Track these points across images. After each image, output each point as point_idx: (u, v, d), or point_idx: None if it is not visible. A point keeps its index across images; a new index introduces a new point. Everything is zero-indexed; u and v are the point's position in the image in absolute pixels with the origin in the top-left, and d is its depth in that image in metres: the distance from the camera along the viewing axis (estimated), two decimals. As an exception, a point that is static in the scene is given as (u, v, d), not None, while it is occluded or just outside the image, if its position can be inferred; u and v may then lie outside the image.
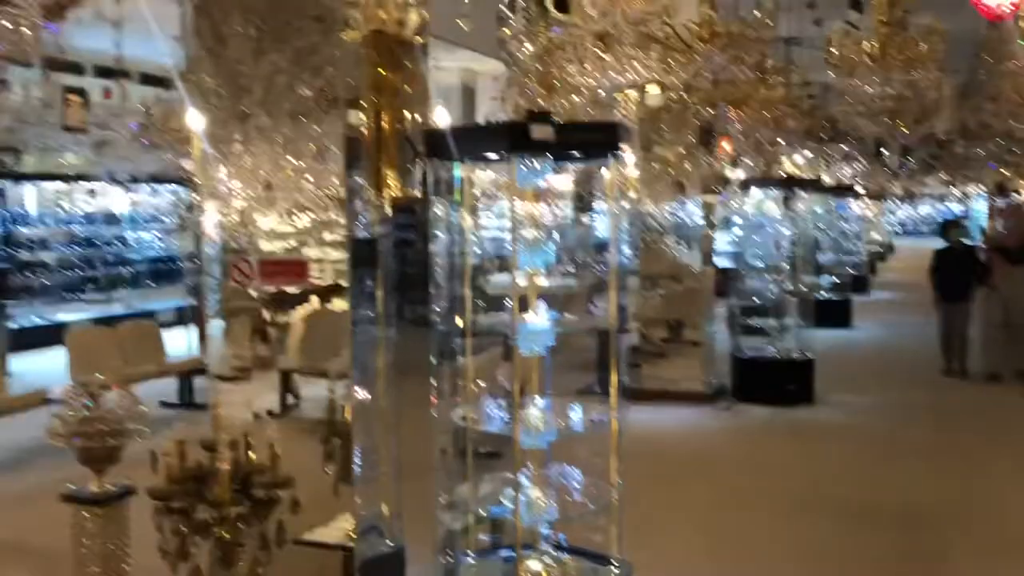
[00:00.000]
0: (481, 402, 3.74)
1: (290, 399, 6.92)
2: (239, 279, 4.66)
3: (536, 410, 3.49)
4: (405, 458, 4.26)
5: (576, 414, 3.55)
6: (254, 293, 5.06)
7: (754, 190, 10.31)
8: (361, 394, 3.90)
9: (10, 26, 4.39)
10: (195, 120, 4.48)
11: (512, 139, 3.21)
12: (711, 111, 7.77)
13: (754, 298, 9.97)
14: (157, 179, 13.82)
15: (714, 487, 6.57)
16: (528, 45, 5.79)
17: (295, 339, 6.80)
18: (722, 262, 11.19)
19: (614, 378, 3.64)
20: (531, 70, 6.97)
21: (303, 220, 5.71)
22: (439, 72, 12.51)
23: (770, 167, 11.26)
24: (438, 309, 3.75)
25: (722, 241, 11.50)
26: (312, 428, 4.55)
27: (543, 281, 3.61)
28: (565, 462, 3.68)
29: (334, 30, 4.77)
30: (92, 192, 14.30)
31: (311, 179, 5.52)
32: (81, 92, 9.69)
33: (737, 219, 10.56)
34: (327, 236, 7.42)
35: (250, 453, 3.41)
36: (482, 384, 3.85)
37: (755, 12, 6.72)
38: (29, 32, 4.41)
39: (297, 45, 5.09)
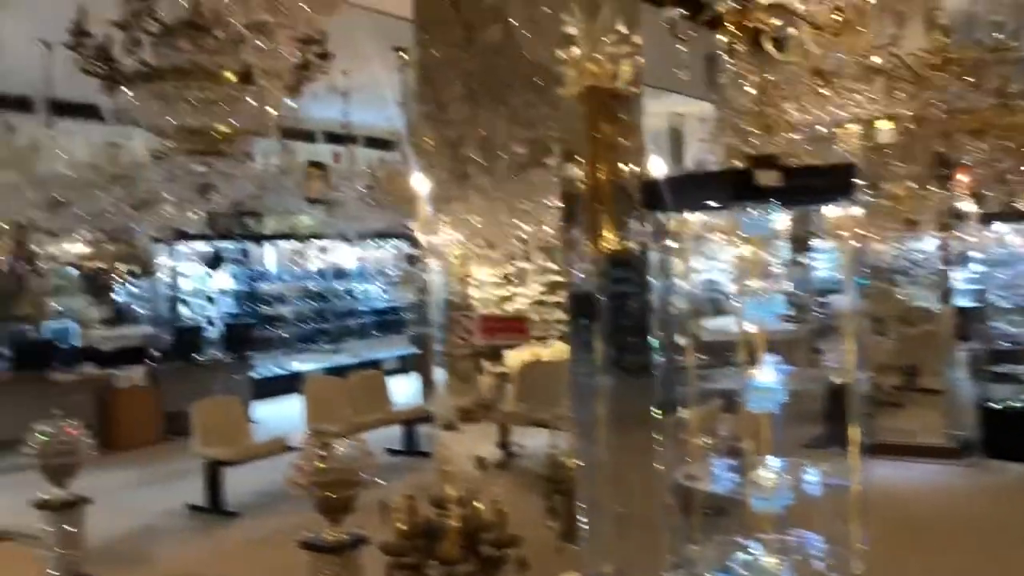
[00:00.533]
0: (705, 459, 3.59)
1: (508, 449, 7.00)
2: (463, 336, 4.76)
3: (767, 471, 3.29)
4: (629, 514, 4.15)
5: (812, 475, 3.31)
6: (474, 342, 5.17)
7: (996, 224, 9.46)
8: (583, 447, 3.85)
9: (256, 104, 4.79)
10: (418, 181, 4.67)
11: (736, 187, 3.08)
12: (946, 142, 7.19)
13: (1001, 341, 9.08)
14: (381, 235, 14.62)
15: (968, 556, 5.94)
16: (743, 85, 5.61)
17: (512, 388, 6.89)
18: (962, 302, 10.31)
19: (854, 434, 3.38)
20: (744, 110, 6.74)
21: (520, 273, 5.81)
22: (646, 117, 12.46)
23: (1014, 198, 10.30)
24: (657, 359, 3.66)
25: (960, 279, 10.62)
26: (531, 480, 4.55)
27: (766, 328, 3.43)
28: (798, 525, 3.45)
29: (547, 87, 4.83)
30: (323, 249, 15.37)
31: (527, 233, 5.60)
32: (321, 165, 10.44)
33: (977, 255, 9.70)
34: (542, 287, 7.51)
35: (477, 504, 3.43)
36: (706, 440, 3.70)
37: (995, 34, 6.17)
38: (272, 110, 4.80)
39: (512, 104, 5.21)
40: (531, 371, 6.78)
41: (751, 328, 3.36)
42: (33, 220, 9.61)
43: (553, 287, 7.86)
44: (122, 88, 5.20)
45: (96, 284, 12.69)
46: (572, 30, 3.97)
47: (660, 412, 3.63)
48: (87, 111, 8.71)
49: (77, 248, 11.77)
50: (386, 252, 16.27)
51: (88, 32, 5.19)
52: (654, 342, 3.88)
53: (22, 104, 8.77)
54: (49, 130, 8.79)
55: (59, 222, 9.78)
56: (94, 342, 11.59)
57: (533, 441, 5.63)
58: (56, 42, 6.01)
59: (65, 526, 5.49)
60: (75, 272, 12.26)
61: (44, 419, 5.87)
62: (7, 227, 9.44)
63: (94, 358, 10.90)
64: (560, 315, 7.48)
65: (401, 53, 8.68)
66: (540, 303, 7.52)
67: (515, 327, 4.74)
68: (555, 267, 7.78)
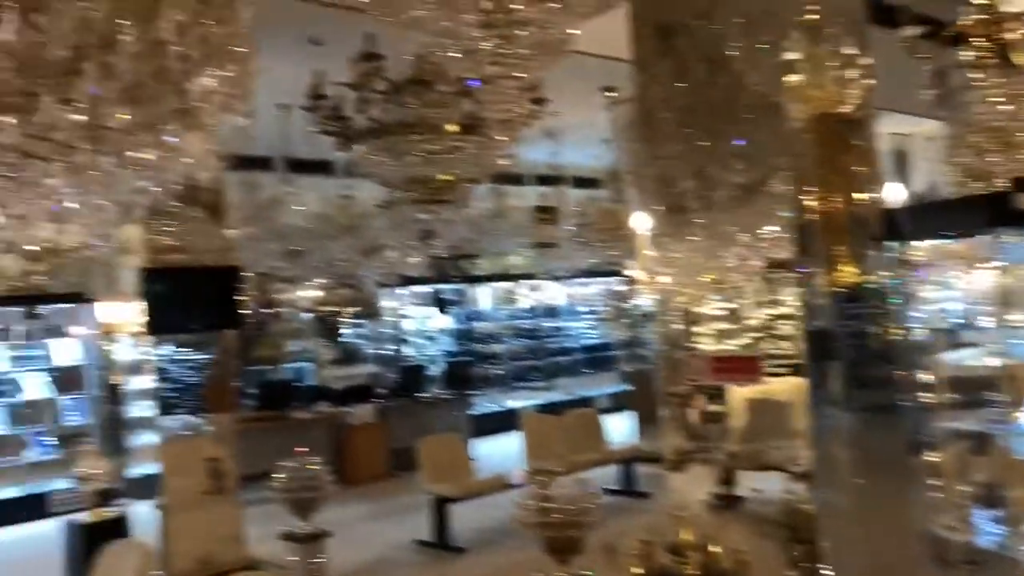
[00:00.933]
0: (962, 507, 3.29)
1: (733, 493, 6.75)
2: (691, 376, 4.66)
3: (1042, 524, 2.97)
4: (879, 565, 3.87)
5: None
6: (702, 382, 5.04)
7: None
8: (824, 493, 3.64)
9: (477, 152, 4.98)
10: (635, 217, 4.65)
11: (993, 212, 2.84)
12: None
13: None
14: (590, 272, 14.72)
15: None
16: (982, 101, 5.19)
17: (735, 427, 6.66)
18: None
19: None
20: (983, 127, 6.24)
21: (742, 307, 5.64)
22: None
23: None
24: (903, 398, 3.42)
25: None
26: (762, 526, 4.34)
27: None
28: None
29: (767, 117, 4.68)
30: (534, 288, 15.67)
31: (748, 266, 5.42)
32: (549, 210, 10.62)
33: None
34: (765, 320, 7.24)
35: (715, 549, 3.31)
36: (961, 487, 3.41)
37: None
38: (493, 158, 4.96)
39: (729, 136, 5.09)
40: (756, 409, 6.53)
41: (999, 362, 3.08)
42: (273, 269, 10.47)
43: (776, 320, 7.58)
44: (353, 144, 5.58)
45: (327, 326, 13.61)
46: (794, 56, 3.83)
47: (909, 454, 3.38)
48: (320, 167, 9.44)
49: (311, 294, 12.69)
50: (595, 289, 16.35)
51: (324, 94, 5.62)
52: (897, 379, 3.63)
53: (263, 164, 9.59)
54: (286, 186, 9.54)
55: (296, 270, 10.59)
56: (327, 381, 12.38)
57: (760, 483, 5.40)
58: (293, 105, 6.52)
59: (310, 557, 5.83)
60: (309, 316, 13.20)
61: (286, 455, 6.30)
62: (252, 276, 10.31)
63: (327, 396, 11.62)
64: (785, 349, 7.19)
65: (609, 92, 8.75)
66: (763, 338, 7.26)
67: (747, 367, 4.57)
68: (778, 299, 7.50)
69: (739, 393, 6.75)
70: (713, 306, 5.68)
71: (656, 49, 5.04)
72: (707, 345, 5.48)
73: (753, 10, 4.17)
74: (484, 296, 15.49)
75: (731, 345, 5.89)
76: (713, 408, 6.26)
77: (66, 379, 10.11)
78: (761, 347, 6.51)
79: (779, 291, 7.02)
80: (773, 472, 5.63)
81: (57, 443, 9.93)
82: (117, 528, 6.83)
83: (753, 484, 5.45)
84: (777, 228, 4.97)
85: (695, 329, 5.66)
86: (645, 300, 11.34)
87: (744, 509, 5.44)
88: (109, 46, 2.17)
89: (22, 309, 9.95)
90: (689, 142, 5.21)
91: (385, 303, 13.68)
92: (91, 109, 2.28)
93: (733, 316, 6.14)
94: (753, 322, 6.68)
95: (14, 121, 2.08)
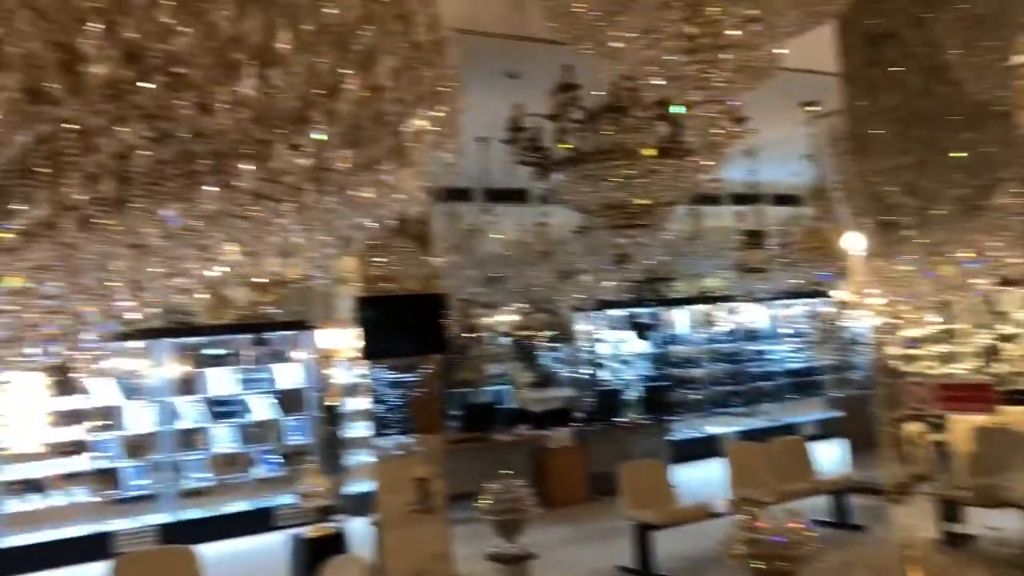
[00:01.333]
0: None
1: (963, 528, 6.25)
2: (916, 404, 4.38)
3: None
4: None
5: None
6: (928, 411, 4.72)
7: None
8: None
9: (675, 175, 4.93)
10: (847, 236, 4.44)
11: None
12: None
13: None
14: (793, 293, 14.16)
15: None
16: None
17: (962, 459, 6.17)
18: None
19: None
20: None
21: (967, 330, 5.24)
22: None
23: None
24: None
25: None
26: (997, 567, 4.00)
27: None
28: None
29: (989, 125, 4.37)
30: (733, 310, 15.23)
31: (975, 285, 5.05)
32: (757, 234, 10.35)
33: None
34: (990, 343, 6.68)
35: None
36: None
37: None
38: (694, 181, 4.90)
39: (946, 147, 4.78)
40: (987, 440, 6.00)
41: None
42: (474, 295, 10.81)
43: (1003, 342, 6.98)
44: (551, 173, 5.68)
45: (524, 350, 13.86)
46: (1023, 59, 3.55)
47: None
48: (516, 195, 9.69)
49: (509, 318, 12.98)
50: (799, 310, 15.69)
51: (522, 126, 5.76)
52: None
53: (463, 194, 9.96)
54: (486, 215, 9.85)
55: (495, 295, 10.89)
56: (525, 404, 12.59)
57: (996, 521, 4.97)
58: (491, 138, 6.72)
59: (516, 579, 5.93)
60: (507, 340, 13.50)
61: (490, 475, 6.45)
62: (455, 302, 10.70)
63: (527, 419, 11.79)
64: (1014, 373, 6.60)
65: (810, 107, 8.45)
66: (989, 362, 6.69)
67: (980, 396, 4.22)
68: (1006, 320, 6.91)
69: (965, 422, 6.24)
70: (932, 328, 5.31)
71: (866, 60, 4.82)
72: (927, 369, 5.12)
73: (973, 14, 3.90)
74: (681, 319, 15.23)
75: (953, 369, 5.46)
76: (936, 437, 5.83)
77: (289, 401, 10.85)
78: (987, 371, 5.98)
79: (1008, 311, 6.47)
80: (1010, 509, 5.16)
81: (281, 461, 10.67)
82: (336, 543, 7.23)
83: (987, 521, 5.00)
84: (1004, 243, 4.61)
85: (913, 352, 5.31)
86: (855, 322, 10.78)
87: (977, 548, 4.99)
88: (333, 94, 2.33)
89: (250, 336, 10.80)
90: (903, 155, 4.93)
91: (580, 327, 13.75)
92: (317, 153, 2.44)
93: (954, 338, 5.70)
94: (976, 344, 6.17)
95: (253, 168, 2.26)
